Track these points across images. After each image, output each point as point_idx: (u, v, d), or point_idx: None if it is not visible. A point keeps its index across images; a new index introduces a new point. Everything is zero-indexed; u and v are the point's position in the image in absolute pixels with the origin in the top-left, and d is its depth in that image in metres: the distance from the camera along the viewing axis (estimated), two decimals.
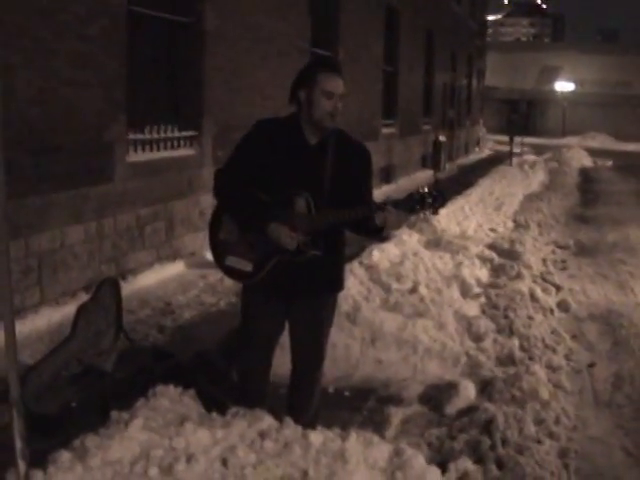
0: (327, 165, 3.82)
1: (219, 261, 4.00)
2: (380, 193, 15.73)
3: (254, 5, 11.10)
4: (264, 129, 3.93)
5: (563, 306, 8.15)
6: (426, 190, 3.66)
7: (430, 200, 3.63)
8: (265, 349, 4.16)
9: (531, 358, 6.21)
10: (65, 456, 3.32)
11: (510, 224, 13.29)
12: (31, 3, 6.72)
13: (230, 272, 3.99)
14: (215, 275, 8.10)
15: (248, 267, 3.88)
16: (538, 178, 22.47)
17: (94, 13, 7.53)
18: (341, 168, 3.84)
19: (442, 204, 3.71)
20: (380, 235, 3.93)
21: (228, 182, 3.90)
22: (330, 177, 3.82)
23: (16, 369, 3.17)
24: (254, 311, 4.07)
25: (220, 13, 10.01)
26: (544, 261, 10.33)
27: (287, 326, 4.17)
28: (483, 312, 7.45)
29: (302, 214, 3.75)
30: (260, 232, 3.75)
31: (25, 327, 6.29)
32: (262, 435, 3.64)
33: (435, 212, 3.87)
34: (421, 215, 3.76)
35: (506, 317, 7.20)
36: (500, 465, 4.33)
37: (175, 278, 8.71)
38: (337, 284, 4.12)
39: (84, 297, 6.73)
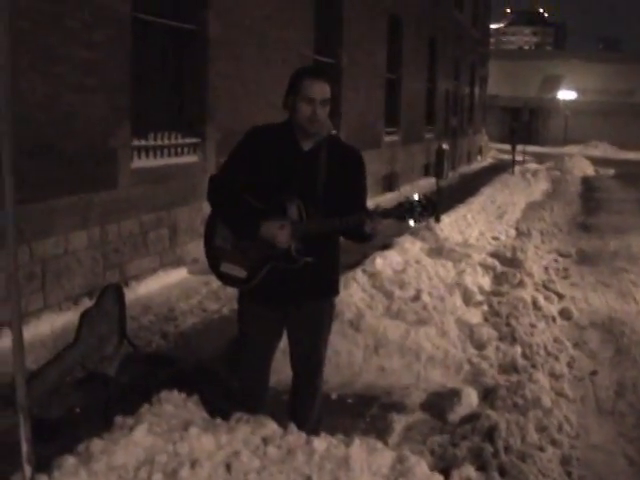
0: (320, 171, 3.83)
1: (214, 267, 4.02)
2: (383, 201, 15.74)
3: (258, 12, 11.14)
4: (258, 136, 3.94)
5: (565, 314, 8.15)
6: (416, 198, 3.66)
7: (419, 209, 3.63)
8: (262, 356, 4.16)
9: (533, 366, 6.22)
10: (70, 461, 3.33)
11: (512, 232, 13.32)
12: (38, 9, 6.76)
13: (225, 278, 4.01)
14: (218, 282, 8.03)
15: (242, 274, 3.90)
16: (540, 187, 22.48)
17: (99, 20, 7.56)
18: (334, 174, 3.84)
19: (432, 213, 3.71)
20: (368, 242, 3.95)
21: (221, 189, 3.92)
22: (323, 183, 3.82)
23: (23, 374, 3.18)
24: (250, 318, 4.08)
25: (224, 20, 10.05)
26: (546, 269, 10.35)
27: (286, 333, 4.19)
28: (485, 320, 7.46)
29: (294, 221, 3.76)
30: (253, 237, 3.76)
31: (28, 333, 6.28)
32: (266, 441, 3.65)
33: (436, 220, 3.86)
34: (410, 223, 3.73)
35: (508, 325, 7.21)
36: (503, 472, 4.34)
37: (178, 284, 8.73)
38: (332, 289, 4.12)
39: (87, 303, 6.76)
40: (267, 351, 4.17)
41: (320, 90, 3.76)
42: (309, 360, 4.17)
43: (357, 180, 4.00)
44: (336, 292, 4.17)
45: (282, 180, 3.80)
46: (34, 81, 6.74)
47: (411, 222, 3.70)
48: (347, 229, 3.78)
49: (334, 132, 4.07)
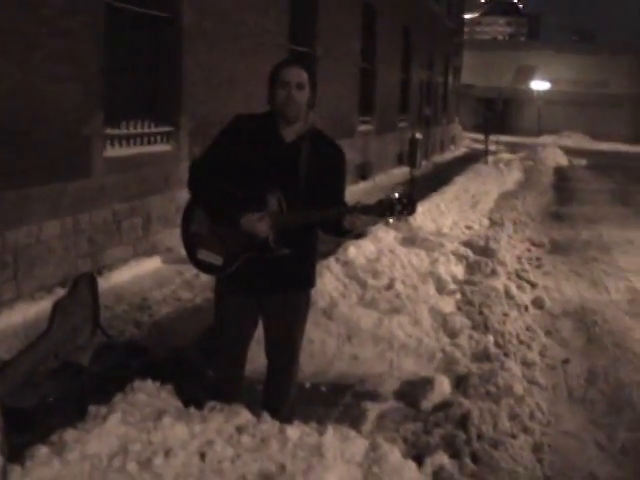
0: (301, 163, 3.84)
1: (190, 254, 4.02)
2: (357, 190, 15.77)
3: (233, 1, 11.09)
4: (241, 124, 3.94)
5: (538, 303, 8.22)
6: (397, 196, 3.67)
7: (400, 207, 3.65)
8: (238, 344, 4.17)
9: (506, 354, 6.27)
10: (43, 451, 3.32)
11: (485, 222, 13.37)
12: None
13: (201, 265, 4.01)
14: (191, 271, 8.08)
15: (219, 261, 3.90)
16: (513, 176, 22.59)
17: (73, 7, 7.50)
18: (315, 167, 3.85)
19: (412, 212, 3.72)
20: (347, 236, 3.96)
21: (202, 175, 3.92)
22: (304, 175, 3.83)
23: None
24: (226, 306, 4.09)
25: (198, 8, 10.00)
26: (519, 258, 10.42)
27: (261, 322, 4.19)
28: (458, 309, 7.49)
29: (273, 212, 3.76)
30: (232, 225, 3.76)
31: (0, 322, 6.26)
32: (239, 430, 3.66)
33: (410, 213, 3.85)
34: (390, 220, 3.75)
35: (481, 314, 7.26)
36: (475, 459, 4.39)
37: (151, 274, 8.69)
38: (308, 281, 4.13)
39: (60, 292, 6.72)
40: (243, 339, 4.17)
41: (294, 73, 3.78)
42: (284, 350, 4.18)
43: (337, 175, 4.01)
44: (311, 284, 4.17)
45: (263, 170, 3.81)
46: (6, 68, 6.68)
47: (390, 220, 3.72)
48: (326, 222, 3.80)
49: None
